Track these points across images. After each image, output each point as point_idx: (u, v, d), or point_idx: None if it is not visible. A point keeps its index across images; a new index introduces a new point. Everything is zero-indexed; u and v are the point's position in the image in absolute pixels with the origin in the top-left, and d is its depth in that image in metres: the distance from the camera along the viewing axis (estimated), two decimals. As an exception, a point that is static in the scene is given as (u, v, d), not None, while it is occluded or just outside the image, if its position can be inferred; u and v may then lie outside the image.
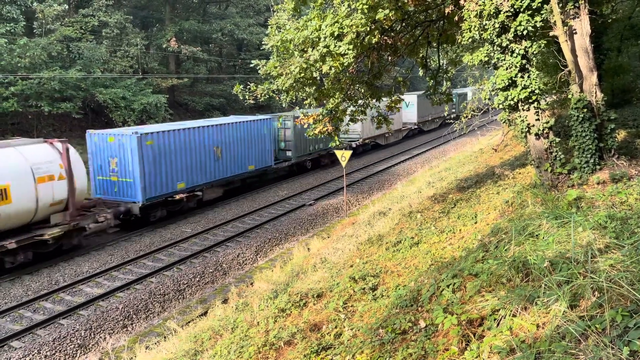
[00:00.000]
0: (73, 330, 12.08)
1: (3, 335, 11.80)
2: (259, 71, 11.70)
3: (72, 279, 14.88)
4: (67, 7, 31.45)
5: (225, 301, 13.04)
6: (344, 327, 7.05)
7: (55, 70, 28.19)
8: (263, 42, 12.54)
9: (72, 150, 16.39)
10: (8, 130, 28.43)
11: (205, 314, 12.80)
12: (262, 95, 11.63)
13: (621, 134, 11.81)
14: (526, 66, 9.09)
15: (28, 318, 12.70)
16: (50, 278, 14.93)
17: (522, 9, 8.74)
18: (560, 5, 8.84)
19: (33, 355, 11.12)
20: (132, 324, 13.01)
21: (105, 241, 18.04)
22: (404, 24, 11.59)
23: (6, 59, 26.74)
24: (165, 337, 11.45)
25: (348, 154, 20.81)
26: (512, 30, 8.83)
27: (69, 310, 12.95)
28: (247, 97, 11.76)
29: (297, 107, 17.83)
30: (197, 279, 15.28)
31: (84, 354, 11.72)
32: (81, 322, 12.41)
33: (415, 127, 44.55)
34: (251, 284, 14.41)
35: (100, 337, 12.22)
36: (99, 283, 14.76)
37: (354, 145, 33.32)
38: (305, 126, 12.75)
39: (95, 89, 30.81)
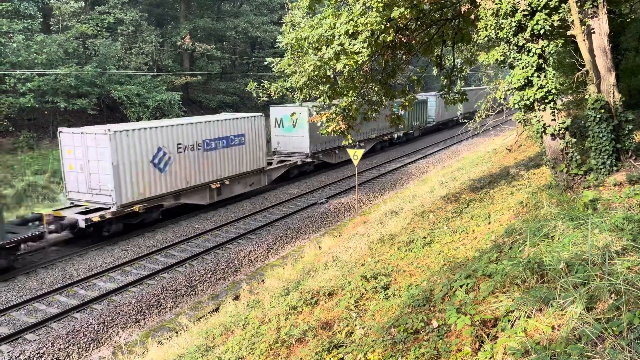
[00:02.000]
0: (86, 324, 12.22)
1: (18, 327, 11.97)
2: (273, 69, 11.72)
3: (86, 273, 15.05)
4: (83, 4, 31.78)
5: (236, 298, 13.10)
6: (356, 325, 7.04)
7: (71, 67, 28.51)
8: (277, 40, 12.55)
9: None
10: (24, 125, 28.81)
11: (216, 310, 12.87)
12: (276, 93, 11.66)
13: (639, 135, 11.63)
14: (543, 66, 8.98)
15: (42, 311, 12.87)
16: (65, 272, 15.11)
17: (539, 8, 8.64)
18: (579, 4, 8.73)
19: (47, 348, 11.27)
20: (144, 318, 13.12)
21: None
22: (419, 22, 11.52)
23: (23, 55, 27.10)
24: (177, 333, 11.54)
25: (360, 152, 20.76)
26: (529, 29, 8.73)
27: (82, 304, 13.10)
28: (260, 94, 11.79)
29: None
30: (209, 275, 15.37)
31: (97, 348, 11.85)
32: (94, 316, 12.55)
33: (308, 160, 27.82)
34: (262, 281, 14.46)
35: (113, 331, 12.35)
36: (112, 278, 14.91)
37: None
38: (319, 124, 12.71)
39: (110, 85, 31.11)
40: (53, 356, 11.18)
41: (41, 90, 27.83)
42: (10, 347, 11.26)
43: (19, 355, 10.86)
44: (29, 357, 10.91)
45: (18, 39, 26.84)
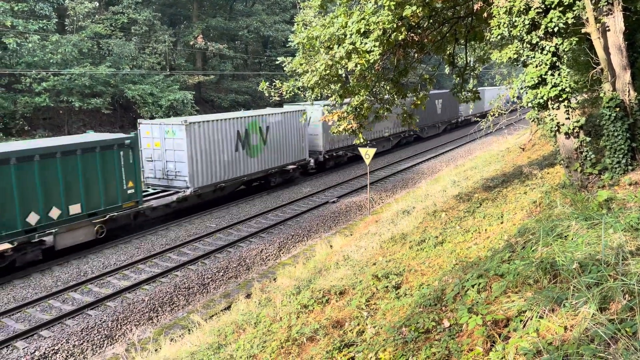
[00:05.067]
0: (100, 321, 12.36)
1: (34, 324, 12.15)
2: (285, 68, 11.75)
3: (100, 271, 15.21)
4: (97, 4, 32.11)
5: (248, 296, 13.15)
6: (367, 324, 7.04)
7: (86, 67, 28.81)
8: (289, 39, 12.58)
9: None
10: (40, 125, 29.17)
11: (228, 308, 12.94)
12: (288, 92, 11.69)
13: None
14: (557, 64, 8.90)
15: (57, 308, 13.04)
16: (79, 269, 15.29)
17: (553, 5, 8.56)
18: (593, 1, 8.63)
19: (62, 344, 11.42)
20: (157, 316, 13.24)
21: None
22: (431, 20, 11.47)
23: (39, 55, 27.45)
24: (189, 330, 11.62)
25: (372, 151, 20.72)
26: (543, 27, 8.65)
27: (96, 301, 13.25)
28: (272, 94, 11.83)
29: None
30: (221, 274, 15.45)
31: (110, 345, 11.98)
32: (108, 313, 12.69)
33: None
34: (274, 279, 14.50)
35: (127, 329, 12.47)
36: (125, 275, 15.06)
37: None
38: (330, 123, 12.74)
39: (124, 85, 31.39)
40: (68, 352, 11.33)
41: (56, 89, 28.17)
42: (26, 343, 11.43)
43: (35, 352, 11.02)
44: (44, 353, 11.07)
45: (33, 39, 27.18)
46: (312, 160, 28.18)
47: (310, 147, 28.32)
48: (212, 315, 12.69)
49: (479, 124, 19.69)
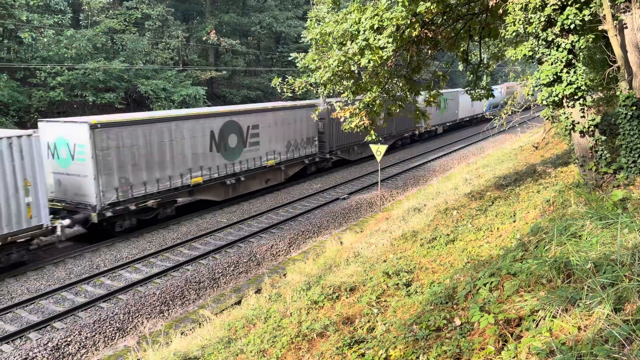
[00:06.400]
0: (112, 313, 12.48)
1: (47, 315, 12.30)
2: (297, 64, 11.73)
3: (112, 264, 15.36)
4: (111, -1, 32.33)
5: (258, 291, 13.21)
6: (377, 321, 7.04)
7: (100, 61, 29.04)
8: (301, 35, 12.56)
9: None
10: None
11: (239, 303, 13.00)
12: (300, 88, 11.68)
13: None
14: (572, 61, 8.79)
15: (70, 300, 13.19)
16: (92, 262, 15.45)
17: (569, 2, 8.45)
18: (611, -2, 8.51)
19: (74, 336, 11.55)
20: (168, 309, 13.34)
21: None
22: (445, 17, 11.38)
23: (54, 50, 27.72)
24: (199, 324, 11.69)
25: (383, 148, 20.65)
26: (559, 24, 8.55)
27: (108, 294, 13.38)
28: (285, 90, 11.83)
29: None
30: (232, 269, 15.53)
31: (122, 337, 12.10)
32: (120, 306, 12.81)
33: None
34: (284, 275, 14.54)
35: (138, 321, 12.59)
36: (137, 269, 15.19)
37: None
38: (342, 120, 12.71)
39: (137, 80, 31.59)
40: (80, 344, 11.47)
41: (70, 84, 28.45)
42: (39, 334, 11.58)
43: (47, 343, 11.16)
44: (57, 344, 11.21)
45: (49, 33, 27.46)
46: (59, 226, 15.38)
47: (75, 197, 16.63)
48: (223, 310, 12.76)
49: (492, 121, 19.52)
